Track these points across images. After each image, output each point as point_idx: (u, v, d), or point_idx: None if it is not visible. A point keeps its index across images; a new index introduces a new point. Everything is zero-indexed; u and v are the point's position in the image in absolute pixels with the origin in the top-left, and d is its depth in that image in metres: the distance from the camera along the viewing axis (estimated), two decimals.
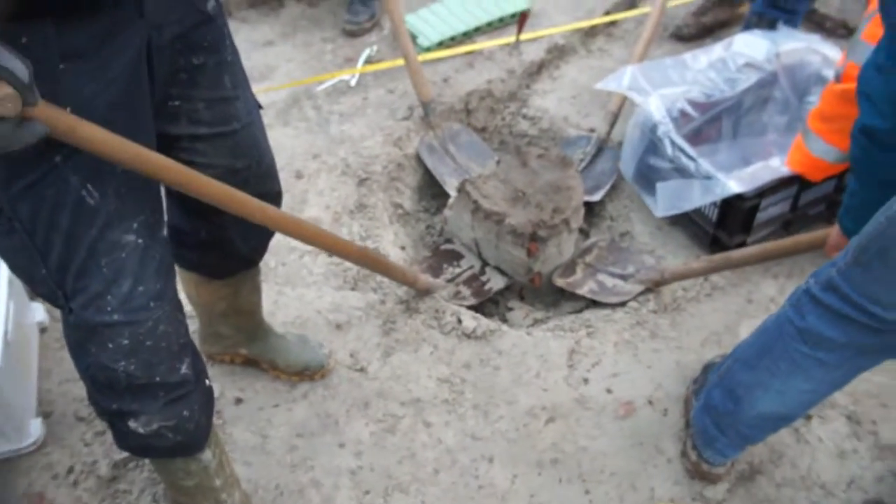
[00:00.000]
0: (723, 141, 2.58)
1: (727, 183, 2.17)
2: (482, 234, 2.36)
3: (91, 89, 1.15)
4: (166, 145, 1.36)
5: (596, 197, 2.61)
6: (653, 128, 2.37)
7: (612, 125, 2.72)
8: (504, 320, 2.36)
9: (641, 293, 2.26)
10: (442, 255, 2.48)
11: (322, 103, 2.88)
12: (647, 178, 2.46)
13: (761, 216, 2.27)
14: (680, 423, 1.95)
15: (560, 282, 2.36)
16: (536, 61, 3.05)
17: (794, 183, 2.24)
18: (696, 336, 2.14)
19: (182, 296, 1.49)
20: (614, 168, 2.65)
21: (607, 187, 2.63)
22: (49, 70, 1.09)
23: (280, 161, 2.21)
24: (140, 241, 1.28)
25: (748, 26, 2.91)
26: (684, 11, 3.22)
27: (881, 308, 1.31)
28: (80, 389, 1.84)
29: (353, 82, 2.96)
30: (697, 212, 2.33)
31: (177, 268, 1.59)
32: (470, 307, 2.31)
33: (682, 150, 2.28)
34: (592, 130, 2.78)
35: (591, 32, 3.21)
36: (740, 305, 2.21)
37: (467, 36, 3.15)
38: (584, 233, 2.61)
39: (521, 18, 3.06)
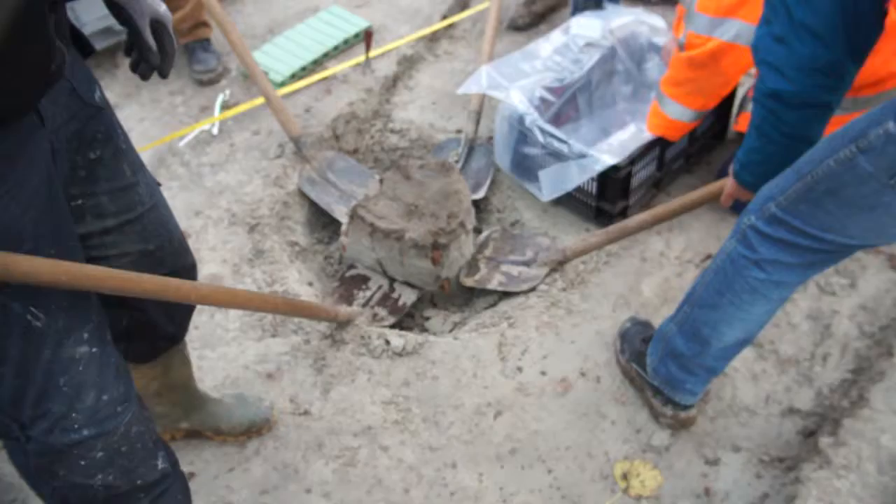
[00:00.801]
0: (582, 118, 2.76)
1: (601, 157, 2.34)
2: (384, 254, 2.42)
3: (14, 211, 1.12)
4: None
5: (480, 194, 2.72)
6: (520, 119, 2.51)
7: (478, 123, 2.84)
8: (425, 330, 2.44)
9: (547, 274, 2.39)
10: (349, 282, 2.51)
11: (189, 158, 2.82)
12: (524, 166, 2.60)
13: (635, 181, 2.46)
14: (614, 386, 2.10)
15: (469, 281, 2.45)
16: (390, 75, 3.12)
17: (657, 145, 2.44)
18: (606, 303, 2.30)
19: None
20: (490, 163, 2.77)
21: (488, 182, 2.75)
22: None
23: None
24: (94, 349, 1.26)
25: (576, 8, 3.11)
26: (515, 3, 3.40)
27: (835, 235, 1.47)
28: None
29: (214, 131, 2.92)
30: (579, 188, 2.49)
31: None
32: (391, 326, 2.37)
33: (553, 135, 2.43)
34: (459, 131, 2.90)
35: (433, 38, 3.32)
36: (636, 266, 2.40)
37: (318, 63, 3.18)
38: (477, 230, 2.71)
39: (366, 37, 3.12)
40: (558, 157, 2.43)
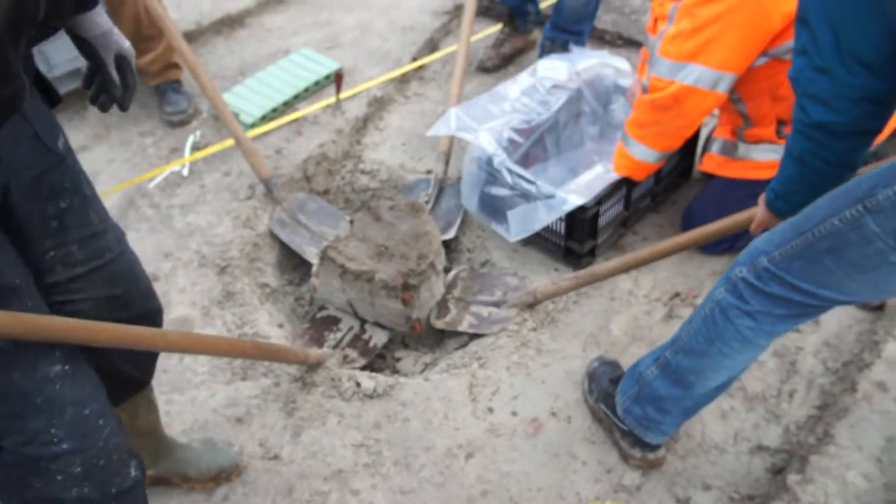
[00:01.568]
0: (550, 158, 2.80)
1: (568, 198, 2.37)
2: (355, 295, 2.42)
3: None
4: (43, 295, 1.34)
5: (450, 234, 2.74)
6: (488, 161, 2.54)
7: (447, 164, 2.87)
8: (396, 371, 2.43)
9: (516, 314, 2.41)
10: (320, 324, 2.51)
11: (159, 200, 2.82)
12: (492, 207, 2.63)
13: (603, 220, 2.50)
14: (584, 426, 2.11)
15: (439, 324, 2.45)
16: (360, 116, 3.15)
17: (624, 185, 2.48)
18: (576, 343, 2.32)
19: None
20: (459, 204, 2.80)
21: (457, 223, 2.78)
22: None
23: None
24: (67, 367, 1.27)
25: (543, 51, 3.19)
26: (483, 45, 3.46)
27: (832, 292, 1.47)
28: None
29: (185, 172, 2.92)
30: (547, 228, 2.51)
31: None
32: (361, 368, 2.36)
33: (521, 176, 2.47)
34: (429, 172, 2.92)
35: (403, 80, 3.37)
36: (605, 305, 2.42)
37: (288, 105, 3.20)
38: (447, 270, 2.73)
39: (336, 79, 3.16)
40: (526, 197, 2.46)
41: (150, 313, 1.61)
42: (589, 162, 2.77)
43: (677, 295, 2.44)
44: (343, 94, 3.19)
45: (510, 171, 2.48)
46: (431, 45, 3.56)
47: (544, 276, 2.54)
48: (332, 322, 2.50)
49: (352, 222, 2.51)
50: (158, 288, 2.48)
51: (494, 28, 3.59)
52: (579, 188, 2.42)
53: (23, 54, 1.18)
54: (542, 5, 3.45)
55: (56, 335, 1.18)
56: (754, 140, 2.37)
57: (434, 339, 2.55)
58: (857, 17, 1.26)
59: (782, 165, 1.54)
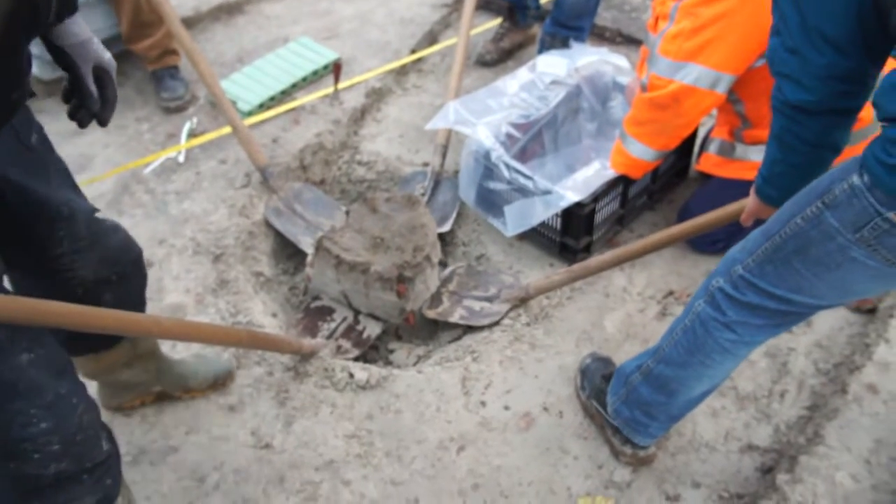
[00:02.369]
0: (547, 154, 2.81)
1: (565, 194, 2.37)
2: (349, 286, 2.42)
3: None
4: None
5: (446, 227, 2.74)
6: (486, 155, 2.54)
7: (444, 157, 2.87)
8: (389, 363, 2.43)
9: (511, 309, 2.41)
10: (314, 314, 2.50)
11: (154, 185, 2.80)
12: (489, 201, 2.63)
13: (599, 217, 2.50)
14: (576, 421, 2.12)
15: (430, 313, 2.46)
16: (358, 107, 3.14)
17: (620, 182, 2.49)
18: (570, 338, 2.33)
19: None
20: (456, 197, 2.80)
21: (453, 216, 2.77)
22: None
23: None
24: (37, 352, 1.29)
25: (543, 46, 3.18)
26: (483, 39, 3.45)
27: (804, 296, 1.46)
28: None
29: (181, 158, 2.91)
30: (543, 224, 2.52)
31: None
32: (355, 359, 2.36)
33: (519, 171, 2.47)
34: (426, 164, 2.92)
35: (402, 71, 3.36)
36: (599, 301, 2.43)
37: (286, 94, 3.19)
38: (443, 263, 2.73)
39: (335, 69, 3.15)
40: (523, 192, 2.46)
41: (134, 261, 1.69)
42: (586, 158, 2.78)
43: (671, 293, 2.45)
44: (341, 85, 3.18)
45: (507, 166, 2.48)
46: (431, 38, 3.55)
47: (540, 271, 2.54)
48: (326, 312, 2.50)
49: (348, 213, 2.51)
50: (152, 274, 2.49)
51: (494, 22, 3.59)
52: (576, 184, 2.42)
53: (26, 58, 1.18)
54: (543, 1, 3.45)
55: (53, 319, 1.18)
56: (752, 141, 2.37)
57: (428, 331, 2.55)
58: None
59: (767, 148, 1.54)
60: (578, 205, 2.39)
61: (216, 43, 3.51)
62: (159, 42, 3.05)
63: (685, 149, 2.73)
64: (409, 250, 2.38)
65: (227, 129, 2.94)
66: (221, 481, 2.00)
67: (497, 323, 2.39)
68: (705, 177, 2.63)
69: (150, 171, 2.86)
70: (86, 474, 1.41)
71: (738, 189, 2.35)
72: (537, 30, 3.41)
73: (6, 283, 1.34)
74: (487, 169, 2.56)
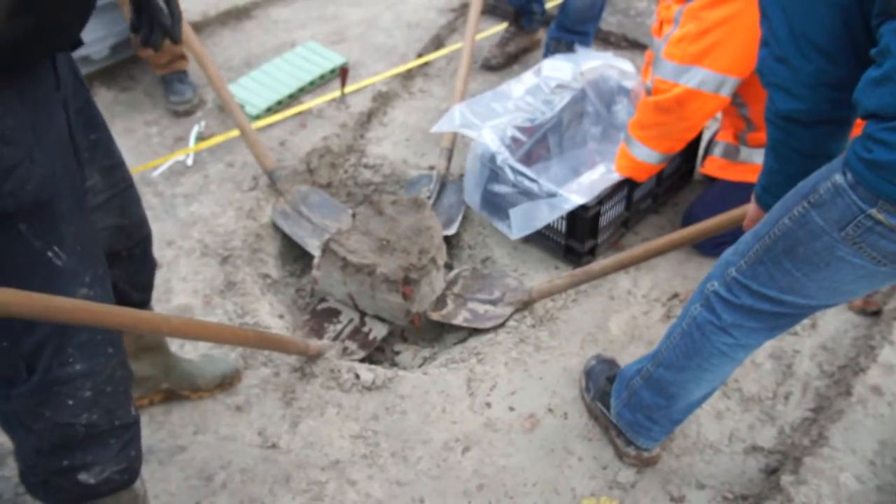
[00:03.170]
0: (552, 157, 2.82)
1: (570, 197, 2.38)
2: (356, 288, 2.43)
3: (49, 158, 1.20)
4: None
5: (451, 230, 2.76)
6: (491, 158, 2.56)
7: (450, 160, 2.89)
8: (395, 364, 2.45)
9: (515, 312, 2.42)
10: (320, 315, 2.52)
11: (163, 188, 2.83)
12: (494, 204, 2.65)
13: (604, 220, 2.51)
14: (581, 422, 2.13)
15: (435, 316, 2.47)
16: (365, 111, 3.16)
17: (625, 186, 2.50)
18: (574, 340, 2.34)
19: None
20: (461, 200, 2.81)
21: (459, 219, 2.79)
22: (25, 146, 1.14)
23: None
24: (92, 292, 1.34)
25: (548, 51, 3.20)
26: (488, 44, 3.47)
27: (795, 296, 1.47)
28: None
29: (189, 161, 2.93)
30: (548, 227, 2.53)
31: None
32: (360, 360, 2.38)
33: (524, 175, 2.48)
34: (432, 168, 2.94)
35: (408, 76, 3.38)
36: (604, 303, 2.44)
37: (293, 97, 3.22)
38: (448, 266, 2.74)
39: (342, 73, 3.17)
40: (528, 195, 2.47)
41: (145, 240, 1.75)
42: (591, 162, 2.79)
43: (676, 296, 2.45)
44: (348, 89, 3.20)
45: (513, 169, 2.50)
46: (437, 42, 3.58)
47: (544, 274, 2.56)
48: (333, 314, 2.51)
49: (354, 216, 2.53)
50: (160, 276, 2.51)
51: (500, 27, 3.61)
52: (581, 188, 2.43)
53: None
54: (548, 5, 3.46)
55: (64, 315, 1.20)
56: (756, 144, 2.38)
57: (433, 333, 2.57)
58: (806, 1, 1.27)
59: (765, 158, 1.56)
60: (583, 208, 2.40)
61: (224, 47, 3.54)
62: (168, 48, 3.07)
63: (689, 152, 2.75)
64: (414, 253, 2.39)
65: (234, 133, 2.97)
66: (228, 480, 2.01)
67: (501, 325, 2.40)
68: (710, 180, 2.64)
69: (158, 173, 2.89)
70: (113, 437, 1.45)
71: (742, 192, 2.35)
72: (543, 34, 3.43)
73: None
74: (493, 172, 2.58)
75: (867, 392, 2.13)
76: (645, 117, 2.32)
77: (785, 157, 1.49)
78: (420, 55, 3.46)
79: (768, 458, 2.06)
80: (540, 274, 2.56)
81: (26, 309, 1.13)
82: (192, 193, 2.81)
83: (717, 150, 2.50)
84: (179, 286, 2.50)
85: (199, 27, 3.55)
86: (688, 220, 2.59)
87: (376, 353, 2.48)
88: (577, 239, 2.52)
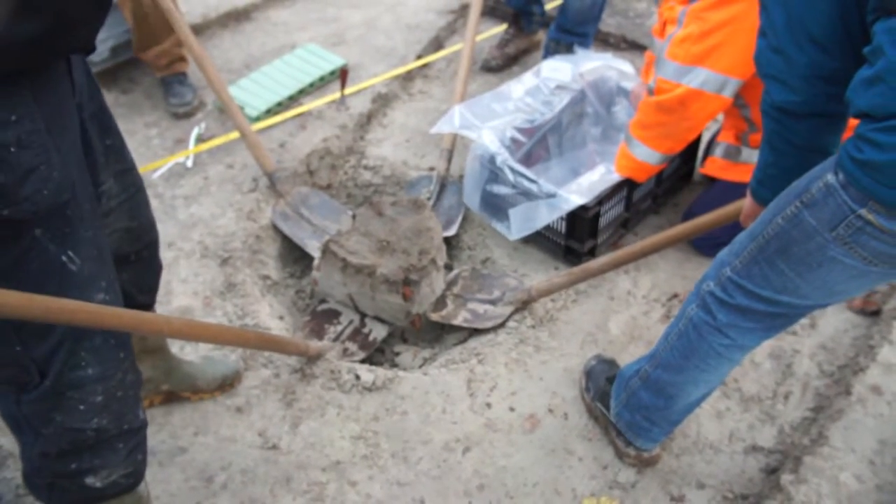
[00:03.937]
0: (552, 158, 2.82)
1: (570, 197, 2.39)
2: (356, 289, 2.44)
3: (66, 161, 1.21)
4: None
5: (451, 231, 2.76)
6: (491, 159, 2.56)
7: (450, 161, 2.89)
8: (395, 365, 2.45)
9: (515, 312, 2.42)
10: (321, 317, 2.52)
11: (163, 190, 2.83)
12: (493, 205, 2.65)
13: (603, 220, 2.52)
14: (581, 423, 2.13)
15: (435, 316, 2.48)
16: (365, 112, 3.17)
17: (625, 186, 2.50)
18: (574, 341, 2.34)
19: None
20: (461, 201, 2.82)
21: (459, 220, 2.79)
22: (43, 150, 1.14)
23: None
24: (107, 297, 1.35)
25: (548, 52, 3.21)
26: (488, 45, 3.48)
27: (789, 296, 1.47)
28: None
29: (189, 163, 2.93)
30: (548, 227, 2.53)
31: None
32: (361, 361, 2.38)
33: (523, 175, 2.48)
34: (432, 169, 2.94)
35: (408, 77, 3.39)
36: (604, 304, 2.44)
37: (293, 99, 3.22)
38: (449, 266, 2.75)
39: (341, 75, 3.18)
40: (528, 196, 2.48)
41: (153, 243, 1.77)
42: (591, 163, 2.79)
43: (675, 296, 2.46)
44: (348, 90, 3.21)
45: (512, 170, 2.50)
46: (436, 44, 3.58)
47: (544, 274, 2.56)
48: (333, 315, 2.52)
49: (354, 217, 2.53)
50: (161, 278, 2.51)
51: (499, 28, 3.62)
52: (581, 188, 2.44)
53: None
54: (548, 7, 3.47)
55: (66, 316, 1.20)
56: (758, 145, 2.38)
57: (433, 334, 2.57)
58: None
59: (760, 151, 1.55)
60: (583, 208, 2.40)
61: (224, 49, 3.55)
62: (168, 51, 3.08)
63: (689, 153, 2.75)
64: (414, 253, 2.39)
65: (234, 135, 2.97)
66: (229, 481, 2.01)
67: (502, 325, 2.40)
68: (710, 180, 2.64)
69: (158, 175, 2.89)
70: (121, 442, 1.46)
71: (742, 193, 2.36)
72: (542, 36, 3.44)
73: None
74: (492, 173, 2.58)
75: (867, 391, 2.13)
76: (646, 117, 2.32)
77: (780, 149, 1.49)
78: (420, 57, 3.47)
79: (768, 457, 2.06)
80: (540, 275, 2.56)
81: (26, 310, 1.13)
82: (192, 195, 2.82)
83: (719, 151, 2.51)
84: (180, 288, 2.50)
85: (198, 29, 3.55)
86: (688, 221, 2.59)
87: (376, 354, 2.48)
88: (576, 239, 2.52)
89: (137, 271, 1.71)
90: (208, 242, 2.63)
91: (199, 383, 2.15)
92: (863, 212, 1.23)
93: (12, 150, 1.09)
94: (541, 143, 2.79)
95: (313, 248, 2.64)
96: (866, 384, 2.15)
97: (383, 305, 2.42)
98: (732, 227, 1.93)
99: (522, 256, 2.64)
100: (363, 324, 2.50)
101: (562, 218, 2.48)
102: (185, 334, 1.61)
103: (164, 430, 2.12)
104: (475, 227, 2.78)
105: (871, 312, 2.37)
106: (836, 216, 1.28)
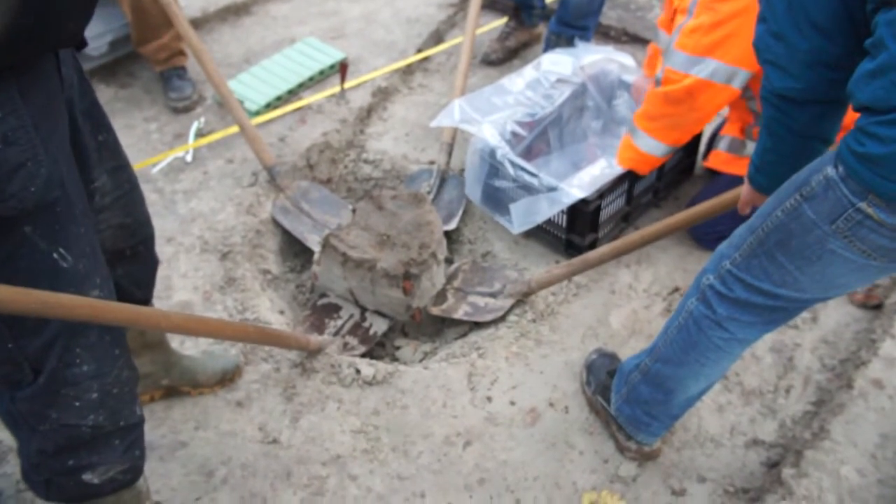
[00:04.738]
0: (553, 152, 2.82)
1: (570, 191, 2.38)
2: (356, 283, 2.43)
3: (55, 159, 1.20)
4: None
5: (452, 225, 2.75)
6: (491, 153, 2.56)
7: (450, 155, 2.88)
8: (395, 359, 2.45)
9: (516, 305, 2.42)
10: (321, 311, 2.52)
11: (162, 185, 2.83)
12: (495, 199, 2.64)
13: (604, 214, 2.51)
14: (582, 416, 2.13)
15: (435, 310, 2.47)
16: (364, 106, 3.16)
17: (626, 179, 2.49)
18: (575, 334, 2.33)
19: None
20: (461, 195, 2.81)
21: (459, 214, 2.79)
22: (30, 147, 1.13)
23: None
24: (101, 294, 1.34)
25: (548, 45, 3.20)
26: (488, 38, 3.47)
27: (789, 290, 1.46)
28: None
29: (188, 158, 2.93)
30: (549, 221, 2.53)
31: None
32: (361, 355, 2.38)
33: (524, 169, 2.48)
34: (432, 163, 2.93)
35: (408, 71, 3.37)
36: (605, 298, 2.44)
37: (293, 93, 3.21)
38: (449, 260, 2.74)
39: (341, 68, 3.16)
40: (529, 190, 2.47)
41: (148, 239, 1.76)
42: (592, 156, 2.78)
43: (677, 290, 2.45)
44: (347, 84, 3.20)
45: (513, 164, 2.49)
46: (437, 37, 3.57)
47: (545, 268, 2.55)
48: (333, 309, 2.51)
49: (354, 211, 2.52)
50: (160, 272, 2.48)
51: (500, 21, 3.60)
52: (582, 182, 2.43)
53: None
54: (548, 0, 3.46)
55: (64, 311, 1.20)
56: None
57: (434, 328, 2.56)
58: None
59: (759, 137, 1.54)
60: (584, 202, 2.39)
61: (223, 44, 3.54)
62: (167, 45, 3.07)
63: (691, 146, 2.74)
64: (415, 247, 2.39)
65: (234, 129, 2.96)
66: (229, 476, 2.01)
67: (502, 318, 2.40)
68: (712, 174, 2.63)
69: (158, 170, 2.88)
70: (118, 438, 1.45)
71: None
72: (543, 29, 3.43)
73: None
74: (493, 167, 2.58)
75: (868, 385, 2.13)
76: (654, 108, 2.30)
77: (778, 136, 1.47)
78: (420, 50, 3.46)
79: (769, 451, 2.06)
80: (541, 268, 2.55)
81: (23, 305, 1.12)
82: (192, 190, 2.81)
83: (723, 144, 2.50)
84: (179, 282, 2.50)
85: (198, 23, 3.54)
86: None
87: (377, 348, 2.48)
88: (577, 233, 2.52)
89: (133, 267, 1.70)
90: (208, 237, 2.62)
91: (199, 378, 2.14)
92: (862, 205, 1.23)
93: None
94: (541, 137, 2.78)
95: (313, 242, 2.64)
96: (868, 378, 2.14)
97: (383, 299, 2.41)
98: (733, 220, 1.93)
99: (523, 250, 2.64)
100: (363, 318, 2.49)
101: (563, 212, 2.47)
102: (184, 329, 1.61)
103: (165, 424, 2.12)
104: (476, 220, 2.78)
105: (873, 306, 2.37)
106: (836, 209, 1.27)
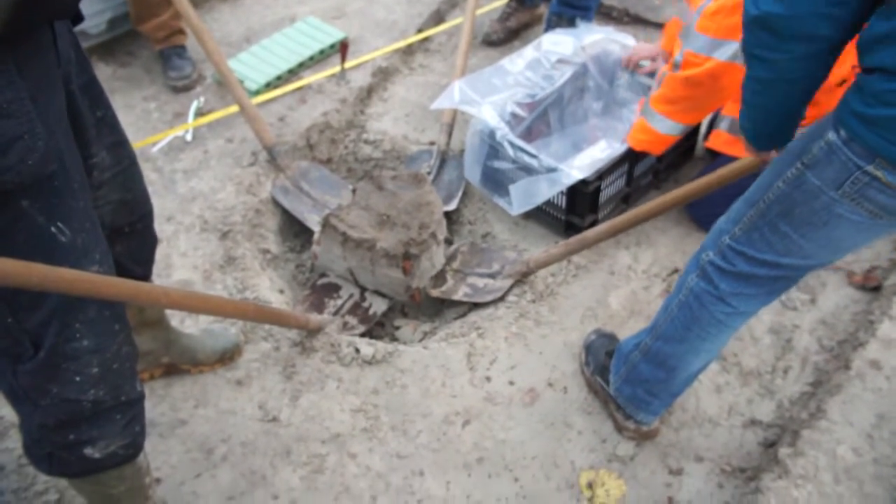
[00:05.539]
0: (553, 133, 2.81)
1: (570, 172, 2.37)
2: (356, 263, 2.43)
3: (52, 132, 1.19)
4: None
5: (452, 206, 2.75)
6: (491, 134, 2.55)
7: (450, 135, 2.87)
8: (395, 339, 2.45)
9: (515, 286, 2.42)
10: (321, 291, 2.52)
11: (162, 164, 2.82)
12: (494, 180, 2.64)
13: (604, 195, 2.51)
14: (581, 396, 2.14)
15: (435, 292, 2.48)
16: (365, 86, 3.15)
17: (626, 161, 2.49)
18: (574, 315, 2.34)
19: None
20: (461, 176, 2.80)
21: (459, 195, 2.78)
22: (27, 119, 1.12)
23: None
24: (101, 269, 1.34)
25: (549, 26, 3.18)
26: (489, 19, 3.45)
27: (793, 258, 1.46)
28: None
29: (188, 137, 2.92)
30: (549, 202, 2.52)
31: None
32: (361, 335, 2.38)
33: (523, 150, 2.47)
34: (432, 143, 2.93)
35: (408, 51, 3.36)
36: (604, 279, 2.44)
37: (293, 73, 3.20)
38: (449, 241, 2.74)
39: (341, 48, 3.15)
40: (528, 171, 2.47)
41: (147, 215, 1.76)
42: (592, 137, 2.77)
43: (676, 271, 2.45)
44: (348, 64, 3.18)
45: (512, 145, 2.49)
46: (437, 17, 3.55)
47: (545, 249, 2.55)
48: (333, 289, 2.52)
49: (354, 191, 2.52)
50: (160, 251, 2.50)
51: (501, 2, 3.58)
52: (582, 163, 2.42)
53: None
54: None
55: (64, 285, 1.20)
56: None
57: (433, 308, 2.57)
58: None
59: (741, 100, 1.47)
60: (583, 183, 2.39)
61: (223, 23, 3.52)
62: (166, 23, 3.06)
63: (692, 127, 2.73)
64: (414, 228, 2.39)
65: (234, 108, 2.96)
66: (229, 453, 2.02)
67: (501, 299, 2.40)
68: (713, 155, 2.63)
69: (157, 149, 2.88)
70: (118, 413, 1.46)
71: None
72: (544, 9, 3.41)
73: None
74: (492, 148, 2.57)
75: (866, 366, 2.13)
76: (673, 92, 2.27)
77: (759, 79, 1.34)
78: (420, 30, 3.44)
79: (766, 431, 2.07)
80: (540, 249, 2.55)
81: (24, 279, 1.12)
82: (192, 169, 2.80)
83: (724, 125, 2.48)
84: (179, 261, 2.50)
85: (197, 2, 3.52)
86: None
87: (376, 328, 2.49)
88: (577, 214, 2.52)
89: (132, 243, 1.70)
90: (208, 216, 2.62)
91: (199, 356, 2.15)
92: (869, 168, 1.23)
93: None
94: (541, 118, 2.77)
95: (313, 222, 2.64)
96: (865, 359, 2.15)
97: (383, 279, 2.42)
98: (732, 199, 1.93)
99: (523, 231, 2.64)
100: (363, 298, 2.50)
101: (562, 193, 2.47)
102: (184, 306, 1.61)
103: (165, 402, 2.13)
104: (476, 201, 2.78)
105: (872, 288, 2.37)
106: (842, 174, 1.27)
